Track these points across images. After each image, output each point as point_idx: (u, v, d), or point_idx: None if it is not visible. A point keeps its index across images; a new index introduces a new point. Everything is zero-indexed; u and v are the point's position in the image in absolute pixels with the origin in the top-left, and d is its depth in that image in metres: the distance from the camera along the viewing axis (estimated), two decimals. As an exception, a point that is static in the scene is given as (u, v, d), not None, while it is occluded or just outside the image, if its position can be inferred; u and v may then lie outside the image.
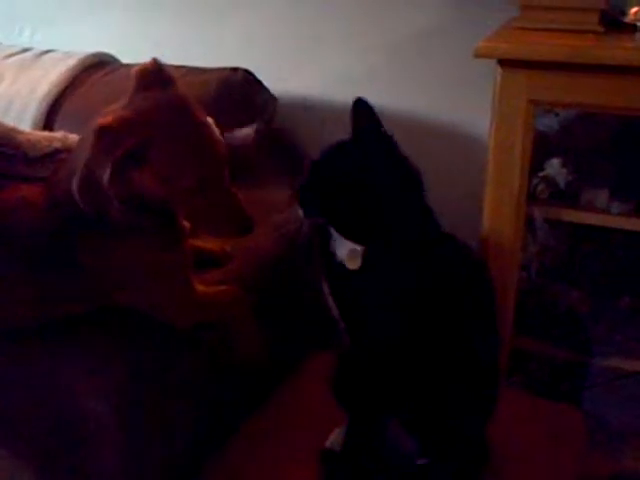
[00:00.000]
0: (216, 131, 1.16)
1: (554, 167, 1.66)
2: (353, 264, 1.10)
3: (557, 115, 1.70)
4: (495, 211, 1.53)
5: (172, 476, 1.30)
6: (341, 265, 1.11)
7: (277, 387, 1.47)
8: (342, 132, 1.99)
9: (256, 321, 1.36)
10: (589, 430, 1.46)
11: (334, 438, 1.26)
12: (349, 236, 1.09)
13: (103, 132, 1.05)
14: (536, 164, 1.59)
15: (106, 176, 1.04)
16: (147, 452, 1.25)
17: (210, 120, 1.16)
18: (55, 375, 1.23)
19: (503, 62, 1.44)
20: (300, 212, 1.12)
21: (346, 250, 1.10)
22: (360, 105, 1.13)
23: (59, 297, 1.23)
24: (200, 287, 1.30)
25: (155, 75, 1.12)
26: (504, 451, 1.26)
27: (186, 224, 1.27)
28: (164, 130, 1.08)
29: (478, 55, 1.41)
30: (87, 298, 1.24)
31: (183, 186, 1.10)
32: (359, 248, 1.09)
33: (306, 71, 2.05)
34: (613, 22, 1.51)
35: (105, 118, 1.06)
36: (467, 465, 1.21)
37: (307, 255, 1.22)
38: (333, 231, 1.11)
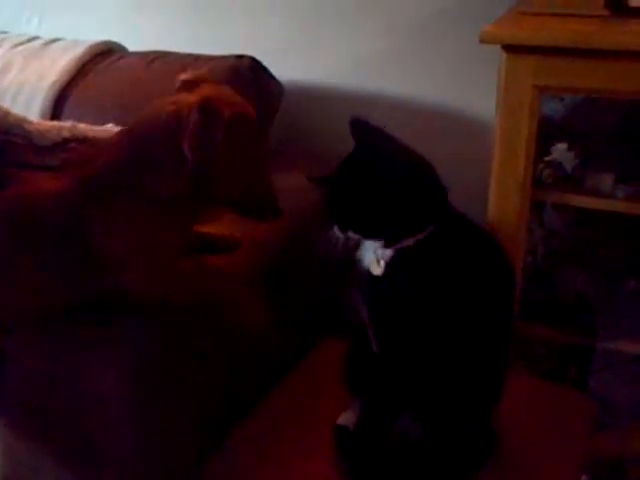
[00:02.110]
0: None
1: (560, 151, 1.65)
2: (377, 270, 1.14)
3: (562, 99, 1.70)
4: (501, 196, 1.53)
5: (184, 452, 1.33)
6: (367, 271, 1.16)
7: (287, 372, 1.48)
8: (346, 117, 2.01)
9: (264, 300, 1.37)
10: (596, 413, 1.47)
11: (346, 416, 1.28)
12: (377, 239, 1.14)
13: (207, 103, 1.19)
14: (542, 149, 1.59)
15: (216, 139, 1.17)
16: (161, 427, 1.28)
17: None
18: (71, 350, 1.26)
19: (508, 47, 1.43)
20: (336, 229, 1.16)
21: (371, 257, 1.15)
22: (357, 124, 1.18)
23: (71, 281, 1.26)
24: (203, 264, 1.35)
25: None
26: (510, 434, 1.27)
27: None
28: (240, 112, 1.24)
29: (483, 41, 1.41)
30: (96, 281, 1.26)
31: (246, 159, 1.24)
32: (382, 254, 1.14)
33: (313, 58, 2.05)
34: (619, 6, 1.50)
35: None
36: (473, 448, 1.22)
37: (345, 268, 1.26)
38: (361, 240, 1.16)
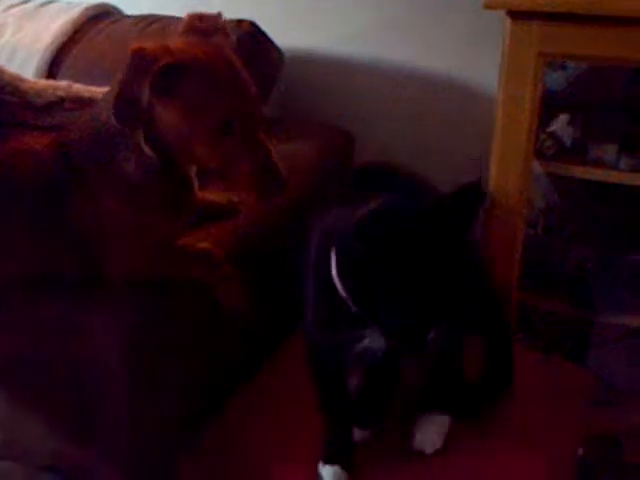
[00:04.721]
0: (250, 80, 1.13)
1: (562, 123, 1.64)
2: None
3: (565, 69, 1.68)
4: (502, 166, 1.53)
5: (181, 415, 1.32)
6: None
7: (277, 348, 1.48)
8: (346, 85, 2.00)
9: (241, 280, 1.32)
10: (595, 387, 1.47)
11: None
12: None
13: (140, 53, 1.04)
14: (543, 121, 1.58)
15: (145, 94, 1.03)
16: (154, 397, 1.27)
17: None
18: (66, 320, 1.24)
19: (513, 13, 1.42)
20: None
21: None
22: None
23: (51, 249, 1.23)
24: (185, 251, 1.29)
25: (200, 24, 1.13)
26: (508, 406, 1.28)
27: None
28: (199, 63, 1.07)
29: (487, 6, 1.40)
30: (73, 252, 1.23)
31: (209, 124, 1.08)
32: None
33: (312, 25, 2.03)
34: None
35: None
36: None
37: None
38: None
